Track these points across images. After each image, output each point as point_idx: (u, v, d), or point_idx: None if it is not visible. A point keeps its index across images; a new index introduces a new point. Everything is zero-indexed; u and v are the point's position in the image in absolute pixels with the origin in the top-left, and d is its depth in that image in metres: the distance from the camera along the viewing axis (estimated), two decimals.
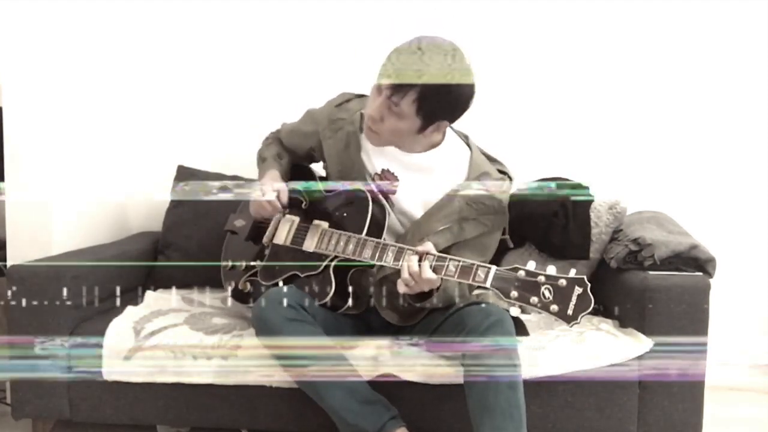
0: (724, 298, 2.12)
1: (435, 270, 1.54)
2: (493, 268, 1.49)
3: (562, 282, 1.42)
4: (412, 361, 1.74)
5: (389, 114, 1.64)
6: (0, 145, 2.16)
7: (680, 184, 2.55)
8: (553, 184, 2.26)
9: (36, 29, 2.10)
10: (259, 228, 1.98)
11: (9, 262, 2.05)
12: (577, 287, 1.42)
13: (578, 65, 2.57)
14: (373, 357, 1.75)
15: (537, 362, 1.73)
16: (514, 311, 1.47)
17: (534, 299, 1.43)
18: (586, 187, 2.26)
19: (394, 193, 1.79)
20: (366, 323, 1.87)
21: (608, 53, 2.55)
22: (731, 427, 2.14)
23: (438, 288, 1.62)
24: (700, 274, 1.87)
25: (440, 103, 1.63)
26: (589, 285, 1.42)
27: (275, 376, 1.77)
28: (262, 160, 2.01)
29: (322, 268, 1.75)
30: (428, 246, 1.58)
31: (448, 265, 1.54)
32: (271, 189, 1.80)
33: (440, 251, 1.61)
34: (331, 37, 2.59)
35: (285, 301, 1.64)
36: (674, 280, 1.83)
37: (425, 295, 1.64)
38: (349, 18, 2.58)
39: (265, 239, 1.94)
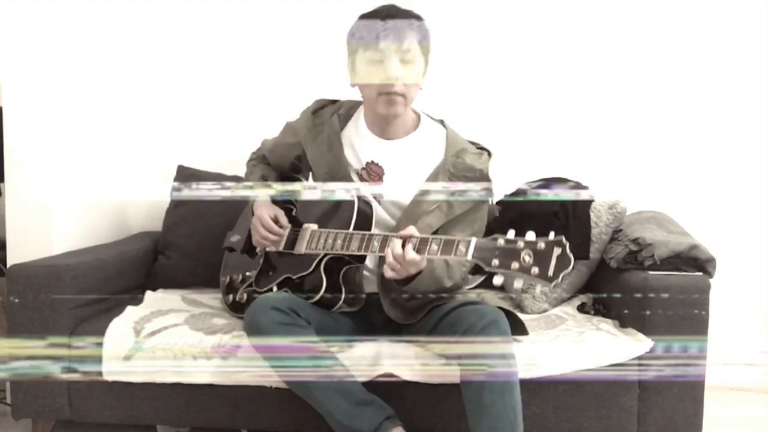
0: (724, 298, 2.12)
1: (419, 251, 1.57)
2: (474, 240, 1.50)
3: (541, 245, 1.42)
4: (410, 361, 1.74)
5: (404, 67, 1.71)
6: (0, 145, 2.16)
7: (680, 184, 2.55)
8: (552, 184, 2.26)
9: (36, 29, 2.10)
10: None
11: (9, 262, 2.05)
12: (555, 248, 1.41)
13: (578, 65, 2.57)
14: (372, 357, 1.75)
15: (537, 362, 1.73)
16: (498, 280, 1.46)
17: (515, 264, 1.43)
18: (586, 187, 2.26)
19: (381, 183, 1.83)
20: (365, 322, 1.87)
21: (608, 53, 2.56)
22: (731, 427, 2.14)
23: (422, 271, 1.63)
24: (700, 274, 1.87)
25: (428, 35, 1.76)
26: (568, 244, 1.41)
27: (275, 376, 1.77)
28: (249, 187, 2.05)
29: (313, 267, 1.77)
30: (411, 230, 1.61)
31: (430, 245, 1.56)
32: (270, 220, 1.88)
33: (433, 231, 1.67)
34: (331, 38, 2.58)
35: (275, 306, 1.65)
36: (674, 280, 1.83)
37: (412, 279, 1.65)
38: (349, 19, 2.58)
39: (258, 249, 1.99)
